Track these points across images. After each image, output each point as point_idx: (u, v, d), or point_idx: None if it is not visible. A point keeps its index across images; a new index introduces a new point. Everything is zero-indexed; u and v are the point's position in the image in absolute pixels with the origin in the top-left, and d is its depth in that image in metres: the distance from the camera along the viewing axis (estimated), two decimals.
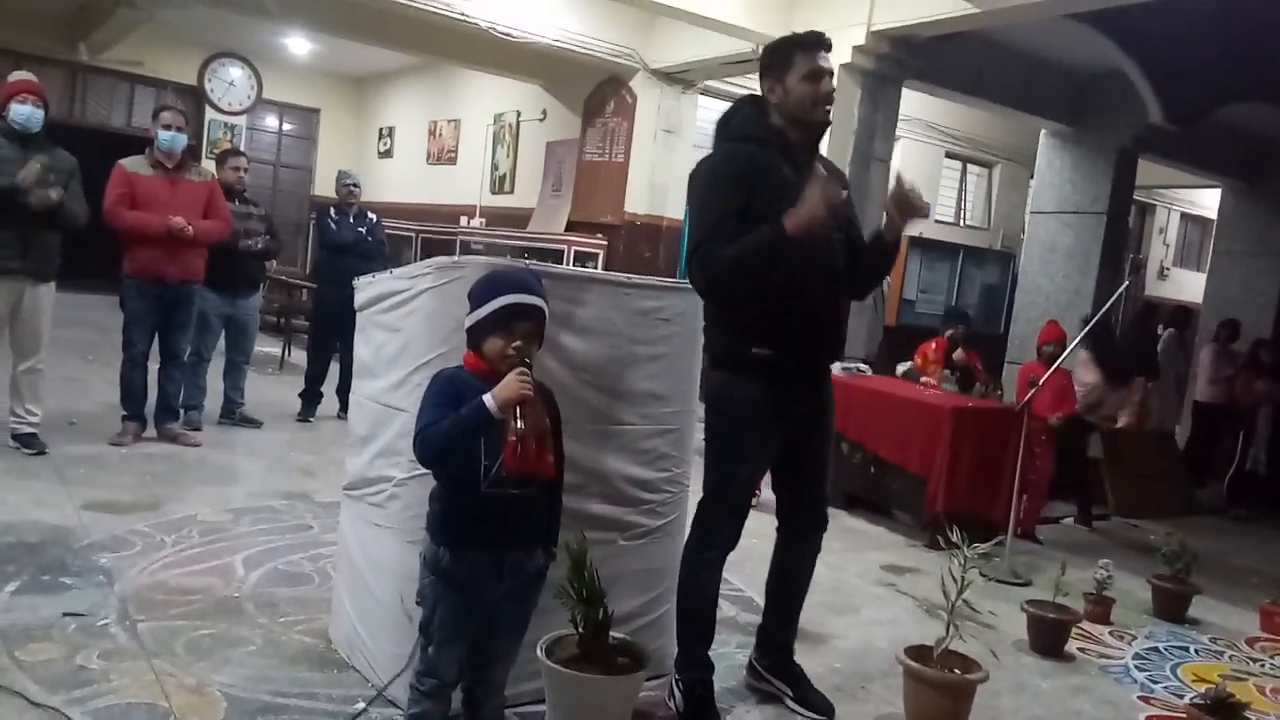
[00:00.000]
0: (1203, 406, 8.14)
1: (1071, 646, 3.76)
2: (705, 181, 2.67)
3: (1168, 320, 9.49)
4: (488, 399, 2.02)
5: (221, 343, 5.91)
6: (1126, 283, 5.49)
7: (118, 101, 12.47)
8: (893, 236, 2.77)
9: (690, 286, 2.76)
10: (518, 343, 2.11)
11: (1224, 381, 7.89)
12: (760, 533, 2.99)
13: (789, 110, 2.68)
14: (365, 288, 2.89)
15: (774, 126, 2.70)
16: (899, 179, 2.73)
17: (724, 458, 2.75)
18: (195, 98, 12.52)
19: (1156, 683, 3.57)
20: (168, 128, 5.10)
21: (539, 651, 2.45)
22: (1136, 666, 3.72)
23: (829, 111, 2.70)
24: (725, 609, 3.27)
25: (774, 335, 2.65)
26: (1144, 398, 7.79)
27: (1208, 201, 12.35)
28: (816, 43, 2.68)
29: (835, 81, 2.73)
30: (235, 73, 12.91)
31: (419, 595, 2.19)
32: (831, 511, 3.02)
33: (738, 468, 2.75)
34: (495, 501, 2.10)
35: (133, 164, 5.09)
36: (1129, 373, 6.08)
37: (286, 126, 13.92)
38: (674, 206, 8.93)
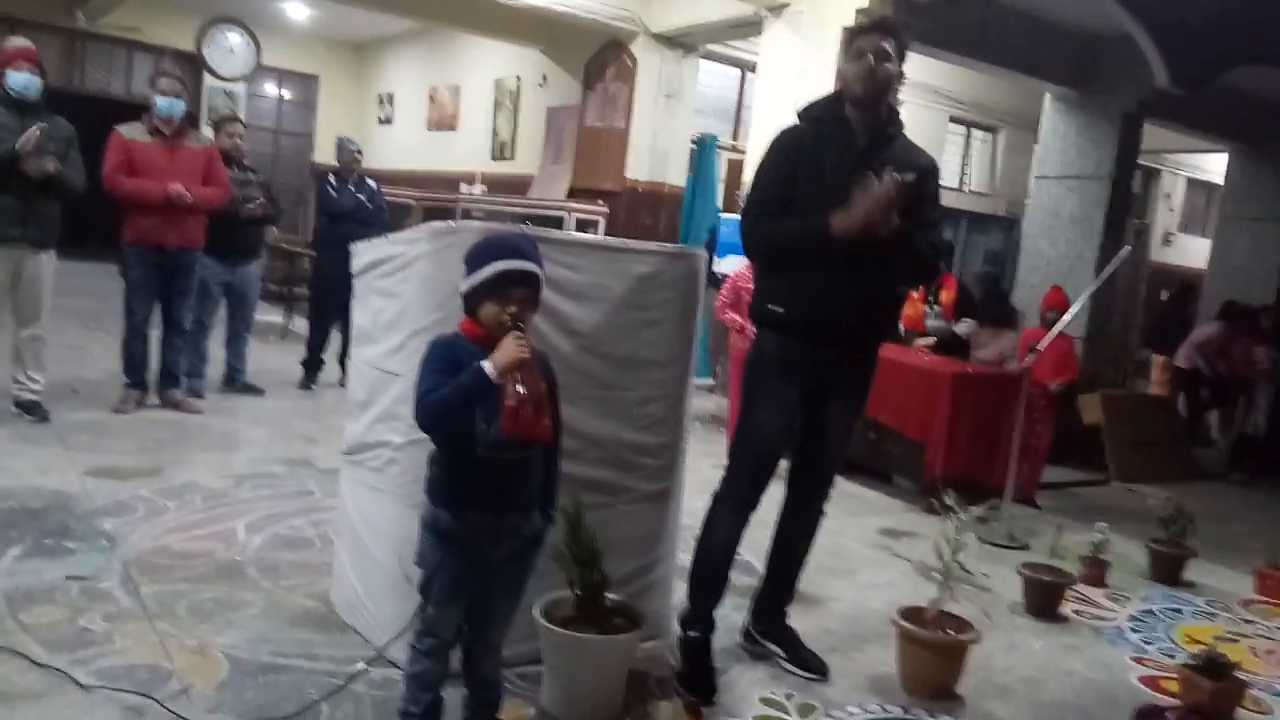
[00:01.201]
0: (1181, 372, 8.14)
1: (1066, 609, 3.79)
2: (767, 151, 2.88)
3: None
4: (486, 365, 2.02)
5: (223, 310, 5.93)
6: (1127, 248, 5.46)
7: (116, 68, 12.38)
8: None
9: (686, 252, 2.93)
10: (513, 308, 2.11)
11: (1207, 358, 7.88)
12: (767, 500, 3.00)
13: (846, 92, 2.80)
14: (362, 253, 2.90)
15: (835, 108, 2.82)
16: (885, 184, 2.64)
17: (744, 409, 2.89)
18: (194, 64, 12.42)
19: (1150, 644, 3.61)
20: (165, 94, 5.08)
21: (536, 613, 2.49)
22: (1131, 628, 3.75)
23: (869, 88, 2.73)
24: None
25: (790, 296, 2.78)
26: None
27: (1214, 167, 12.24)
28: (857, 30, 2.89)
29: (885, 61, 2.72)
30: (234, 39, 12.79)
31: (418, 557, 2.22)
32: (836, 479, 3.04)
33: (754, 419, 2.85)
34: (493, 465, 2.12)
35: (131, 131, 5.08)
36: (1007, 319, 6.10)
37: (286, 93, 13.83)
38: (675, 173, 8.89)
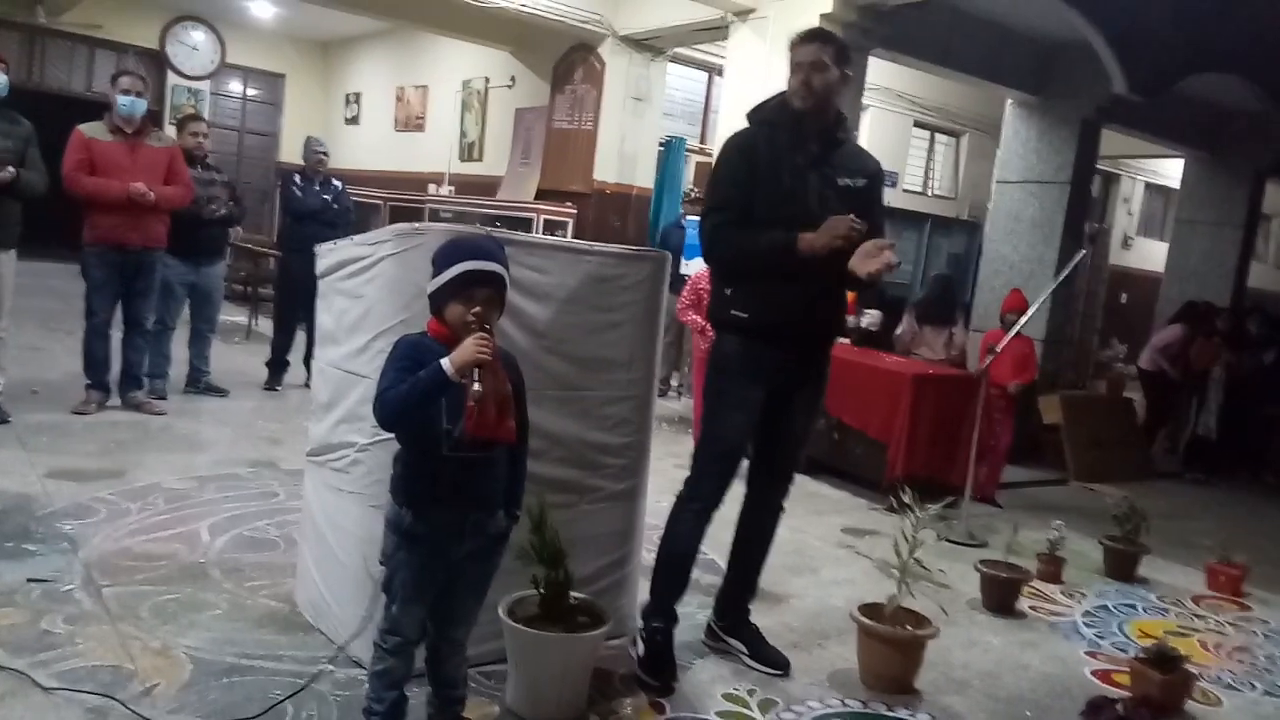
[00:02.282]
0: (1146, 375, 8.30)
1: (1023, 605, 3.87)
2: (721, 155, 2.92)
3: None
4: (445, 362, 2.05)
5: (186, 311, 5.88)
6: (1083, 251, 5.57)
7: (77, 65, 12.22)
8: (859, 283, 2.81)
9: (650, 254, 2.96)
10: (477, 308, 2.13)
11: (1170, 359, 8.04)
12: (730, 500, 3.05)
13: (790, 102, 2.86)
14: (327, 254, 2.90)
15: (784, 112, 2.85)
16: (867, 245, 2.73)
17: (708, 412, 2.93)
18: (157, 62, 12.30)
19: (1104, 639, 3.69)
20: (127, 92, 5.03)
21: (500, 611, 2.51)
22: (1085, 623, 3.84)
23: (806, 99, 2.80)
24: None
25: (753, 301, 2.81)
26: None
27: (1171, 171, 12.49)
28: (794, 41, 2.86)
29: (820, 72, 2.78)
30: (198, 36, 12.68)
31: (383, 555, 2.23)
32: (795, 477, 3.09)
33: (718, 422, 2.89)
34: (456, 464, 2.14)
35: (91, 129, 5.02)
36: (946, 319, 6.27)
37: (251, 92, 13.72)
38: (643, 175, 8.93)
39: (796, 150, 2.81)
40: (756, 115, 2.93)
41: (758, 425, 2.92)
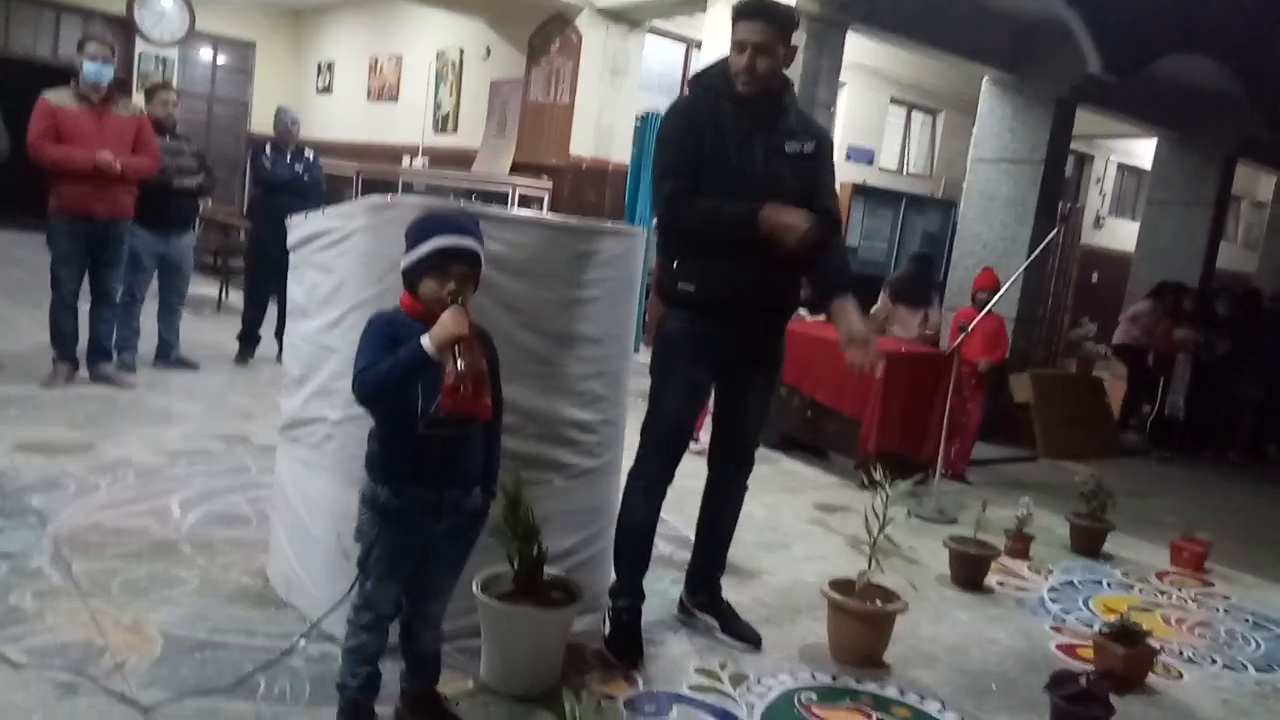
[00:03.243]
0: (1122, 348, 8.39)
1: (991, 580, 3.93)
2: (668, 119, 2.84)
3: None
4: (425, 340, 2.03)
5: (155, 283, 5.80)
6: (1055, 230, 5.62)
7: (42, 31, 11.94)
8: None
9: (626, 229, 2.93)
10: (452, 285, 2.12)
11: (1142, 330, 8.14)
12: (698, 474, 3.07)
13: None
14: (298, 227, 2.87)
15: (728, 80, 2.77)
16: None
17: (654, 389, 2.88)
18: (124, 28, 12.04)
19: (1069, 614, 3.76)
20: (93, 59, 4.92)
21: (475, 587, 2.51)
22: (1051, 599, 3.90)
23: (750, 84, 2.71)
24: (661, 547, 3.35)
25: (701, 274, 2.77)
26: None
27: (1143, 152, 12.60)
28: (738, 12, 2.72)
29: (763, 56, 2.68)
30: (166, 3, 12.40)
31: (357, 531, 2.23)
32: (769, 454, 3.13)
33: (665, 399, 2.86)
34: (433, 441, 2.13)
35: (57, 97, 4.92)
36: (922, 299, 6.33)
37: (221, 60, 13.48)
38: (620, 149, 8.88)
39: (741, 119, 2.74)
40: (700, 82, 2.85)
41: (715, 405, 2.93)
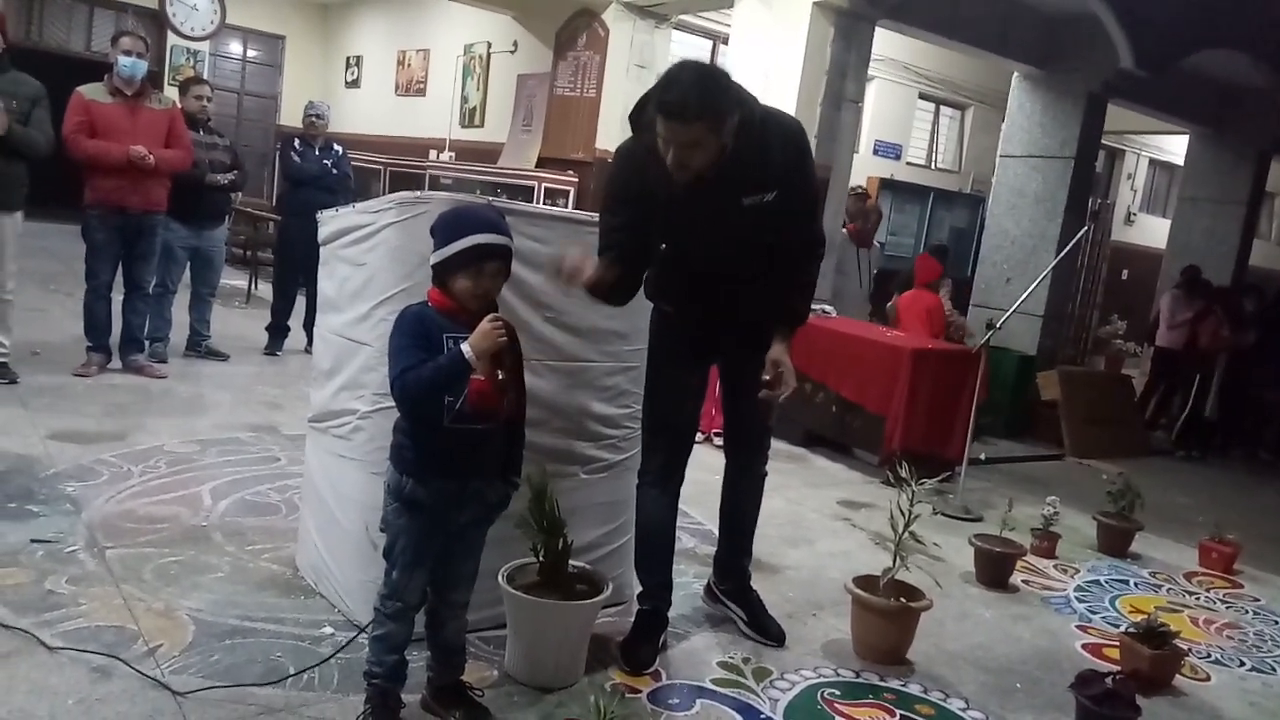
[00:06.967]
0: (1163, 352, 8.27)
1: (1016, 579, 3.91)
2: (614, 162, 2.77)
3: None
4: (466, 349, 2.07)
5: (187, 275, 5.87)
6: (1086, 227, 5.57)
7: (76, 25, 12.08)
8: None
9: None
10: (487, 285, 2.15)
11: (1181, 327, 8.02)
12: (720, 469, 3.07)
13: None
14: (329, 221, 2.90)
15: None
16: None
17: (648, 388, 2.89)
18: (156, 22, 12.16)
19: (1095, 613, 3.73)
20: (128, 54, 4.99)
21: (500, 579, 2.54)
22: (1077, 598, 3.88)
23: (684, 176, 2.45)
24: (685, 540, 3.37)
25: (671, 295, 2.78)
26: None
27: (1176, 148, 12.44)
28: (658, 109, 2.40)
29: (693, 150, 2.40)
30: None
31: (383, 522, 2.26)
32: (794, 450, 3.12)
33: (655, 401, 2.86)
34: (458, 435, 2.16)
35: (91, 91, 4.99)
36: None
37: (251, 53, 13.59)
38: None
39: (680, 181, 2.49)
40: (640, 122, 2.55)
41: (723, 398, 2.94)
